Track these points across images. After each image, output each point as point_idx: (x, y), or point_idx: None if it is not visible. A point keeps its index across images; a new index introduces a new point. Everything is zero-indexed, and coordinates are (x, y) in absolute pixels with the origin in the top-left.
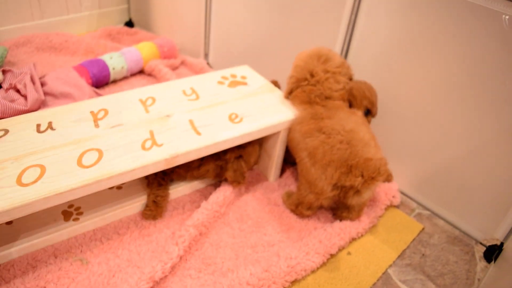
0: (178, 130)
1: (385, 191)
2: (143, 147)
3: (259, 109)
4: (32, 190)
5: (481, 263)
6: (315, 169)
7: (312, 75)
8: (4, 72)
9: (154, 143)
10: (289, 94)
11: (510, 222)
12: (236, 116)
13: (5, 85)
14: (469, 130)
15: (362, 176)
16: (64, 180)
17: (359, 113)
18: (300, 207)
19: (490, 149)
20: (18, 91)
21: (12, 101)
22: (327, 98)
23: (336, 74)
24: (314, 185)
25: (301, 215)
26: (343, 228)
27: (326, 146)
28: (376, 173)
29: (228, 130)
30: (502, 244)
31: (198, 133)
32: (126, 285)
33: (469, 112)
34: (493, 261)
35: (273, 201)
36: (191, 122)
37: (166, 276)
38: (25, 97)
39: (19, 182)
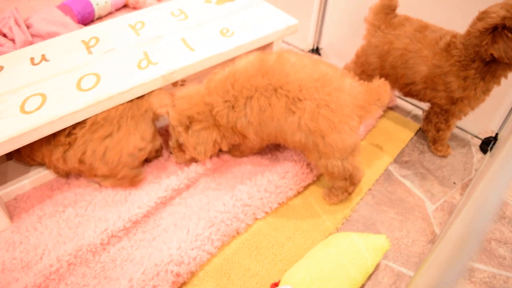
0: (172, 49)
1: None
2: (139, 67)
3: (249, 22)
4: (36, 116)
5: (478, 155)
6: None
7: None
8: None
9: (150, 62)
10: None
11: (504, 114)
12: (228, 31)
13: None
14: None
15: None
16: (66, 104)
17: None
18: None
19: None
20: (4, 35)
21: (1, 46)
22: None
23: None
24: None
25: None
26: None
27: None
28: None
29: (221, 44)
30: (497, 135)
31: (192, 49)
32: (146, 198)
33: (459, 14)
34: (488, 151)
35: None
36: (183, 40)
37: (188, 189)
38: (12, 40)
39: (22, 110)
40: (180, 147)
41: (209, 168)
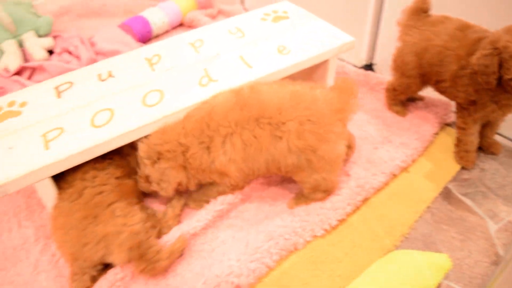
0: (231, 66)
1: (437, 110)
2: (201, 84)
3: (305, 39)
4: (106, 130)
5: None
6: None
7: None
8: (54, 38)
9: (210, 79)
10: None
11: None
12: (284, 48)
13: (57, 50)
14: None
15: None
16: (133, 119)
17: None
18: None
19: None
20: (70, 53)
21: (67, 63)
22: None
23: None
24: None
25: None
26: (403, 149)
27: None
28: None
29: (279, 61)
30: None
31: (250, 66)
32: (204, 211)
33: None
34: None
35: None
36: (241, 57)
37: (244, 203)
38: (77, 57)
39: (92, 124)
40: (147, 178)
41: (262, 182)
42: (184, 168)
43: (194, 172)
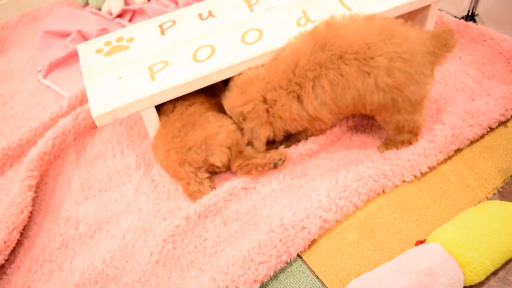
0: (328, 8)
1: None
2: (298, 24)
3: None
4: (207, 64)
5: None
6: None
7: None
8: None
9: (308, 20)
10: None
11: None
12: None
13: None
14: None
15: None
16: (233, 55)
17: None
18: None
19: None
20: None
21: (165, 7)
22: None
23: None
24: None
25: None
26: (503, 103)
27: None
28: None
29: (378, 4)
30: None
31: (349, 9)
32: (294, 148)
33: None
34: None
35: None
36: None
37: (333, 145)
38: (175, 2)
39: (194, 59)
40: None
41: (351, 126)
42: (270, 123)
43: (283, 124)
